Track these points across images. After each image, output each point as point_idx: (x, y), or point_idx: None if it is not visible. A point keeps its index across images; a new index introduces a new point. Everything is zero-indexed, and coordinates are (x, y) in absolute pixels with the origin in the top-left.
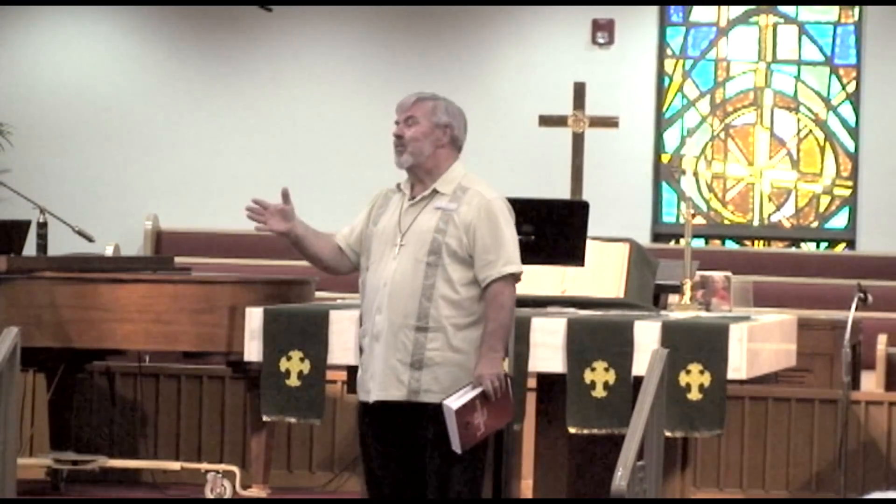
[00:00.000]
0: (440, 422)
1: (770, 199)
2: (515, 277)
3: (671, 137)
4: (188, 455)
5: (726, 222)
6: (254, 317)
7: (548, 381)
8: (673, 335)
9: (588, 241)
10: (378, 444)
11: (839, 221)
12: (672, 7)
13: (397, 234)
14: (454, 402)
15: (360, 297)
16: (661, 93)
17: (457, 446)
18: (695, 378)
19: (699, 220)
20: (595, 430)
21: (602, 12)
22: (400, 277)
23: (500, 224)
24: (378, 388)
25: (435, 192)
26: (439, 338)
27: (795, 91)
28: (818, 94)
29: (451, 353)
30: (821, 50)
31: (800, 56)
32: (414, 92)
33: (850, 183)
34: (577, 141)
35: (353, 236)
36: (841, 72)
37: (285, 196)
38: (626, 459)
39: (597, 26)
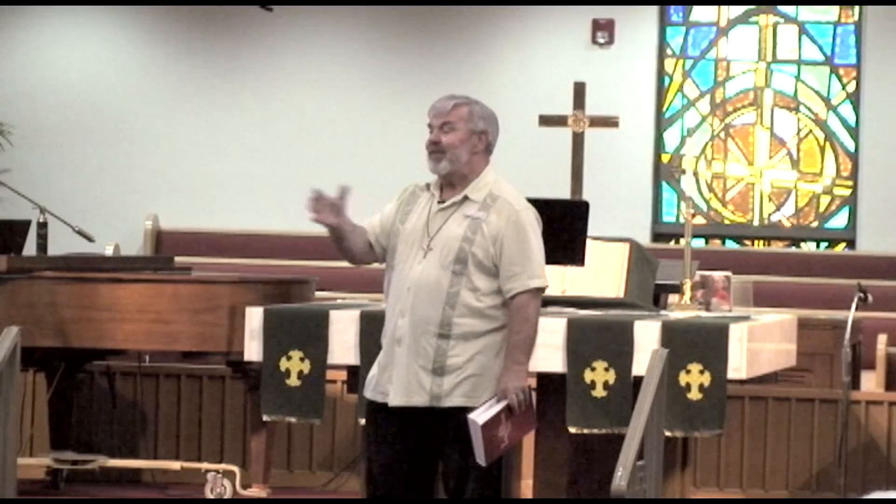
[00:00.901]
0: (460, 425)
1: (770, 199)
2: (540, 290)
3: (671, 137)
4: (188, 455)
5: (726, 222)
6: (254, 317)
7: (548, 381)
8: (673, 335)
9: (588, 241)
10: (390, 445)
11: (839, 221)
12: (672, 7)
13: (425, 238)
14: (480, 417)
15: (385, 296)
16: (661, 93)
17: (482, 459)
18: (695, 378)
19: (699, 220)
20: (595, 430)
21: (602, 12)
22: (425, 283)
23: (529, 236)
24: (400, 393)
25: (466, 198)
26: (460, 345)
27: (795, 91)
28: (818, 93)
29: (471, 359)
30: (821, 50)
31: (800, 56)
32: (447, 95)
33: (850, 183)
34: (577, 141)
35: (380, 229)
36: (841, 72)
37: (343, 192)
38: (626, 459)
39: (597, 26)
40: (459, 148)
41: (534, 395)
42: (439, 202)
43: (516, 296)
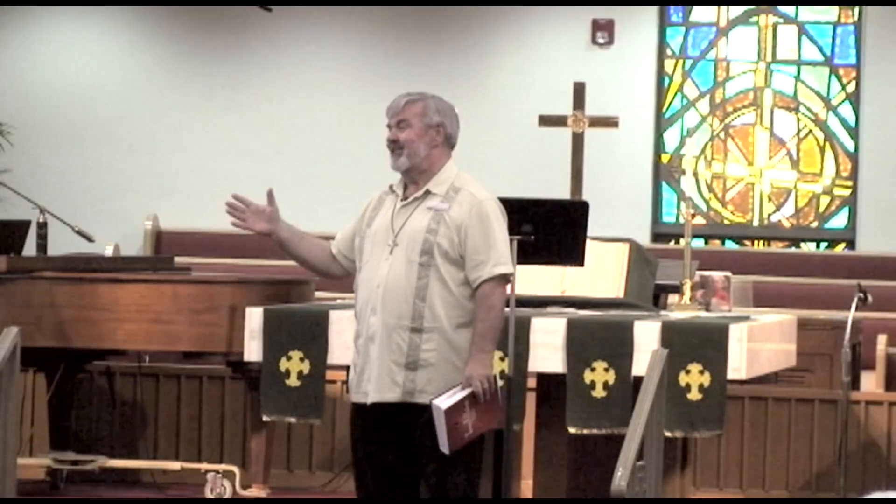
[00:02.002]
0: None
1: (770, 199)
2: (506, 278)
3: (671, 137)
4: (188, 455)
5: (726, 222)
6: (254, 317)
7: (548, 381)
8: (673, 335)
9: (588, 241)
10: (372, 445)
11: (839, 221)
12: (672, 7)
13: (390, 235)
14: (443, 402)
15: (355, 298)
16: (661, 93)
17: (444, 447)
18: (695, 378)
19: (699, 220)
20: (595, 430)
21: (602, 12)
22: (393, 278)
23: (492, 225)
24: (374, 389)
25: (428, 192)
26: (434, 339)
27: (795, 91)
28: (818, 94)
29: (445, 354)
30: (820, 50)
31: (799, 56)
32: (402, 93)
33: (850, 183)
34: (577, 141)
35: (343, 241)
36: (841, 72)
37: (270, 197)
38: (626, 459)
39: (597, 26)
40: (417, 143)
41: (500, 385)
42: (402, 199)
43: (481, 284)
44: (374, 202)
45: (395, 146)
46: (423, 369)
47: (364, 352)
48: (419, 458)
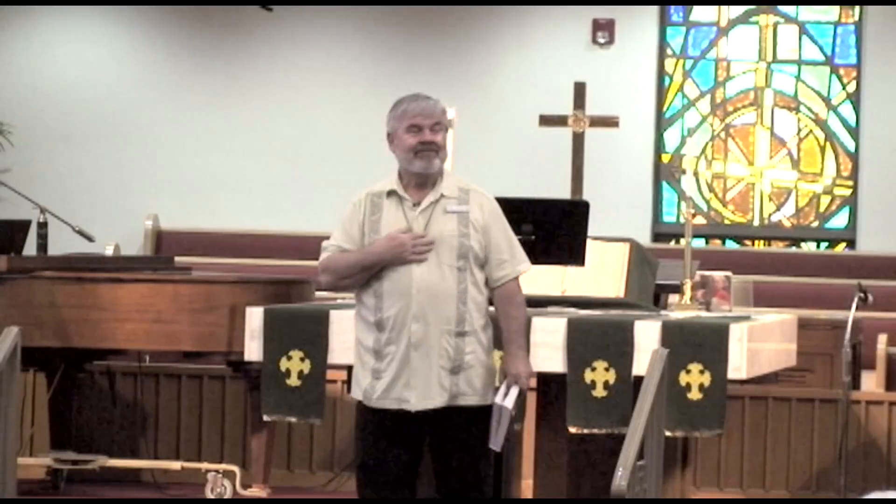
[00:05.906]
0: (476, 422)
1: (770, 199)
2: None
3: (671, 137)
4: (188, 455)
5: (726, 222)
6: (254, 317)
7: (548, 381)
8: (673, 335)
9: (588, 241)
10: (405, 449)
11: (839, 221)
12: (672, 7)
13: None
14: (508, 402)
15: (374, 305)
16: (661, 93)
17: (498, 445)
18: (695, 378)
19: (699, 220)
20: (595, 430)
21: (602, 12)
22: (435, 284)
23: (505, 222)
24: (421, 396)
25: (442, 195)
26: (473, 341)
27: (796, 91)
28: (818, 93)
29: (479, 355)
30: (821, 50)
31: (800, 56)
32: (421, 95)
33: (850, 183)
34: (577, 141)
35: (354, 248)
36: (841, 72)
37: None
38: (626, 459)
39: (597, 26)
40: (445, 147)
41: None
42: (415, 204)
43: (508, 282)
44: (366, 206)
45: (434, 147)
46: (463, 372)
47: (402, 359)
48: (441, 456)
